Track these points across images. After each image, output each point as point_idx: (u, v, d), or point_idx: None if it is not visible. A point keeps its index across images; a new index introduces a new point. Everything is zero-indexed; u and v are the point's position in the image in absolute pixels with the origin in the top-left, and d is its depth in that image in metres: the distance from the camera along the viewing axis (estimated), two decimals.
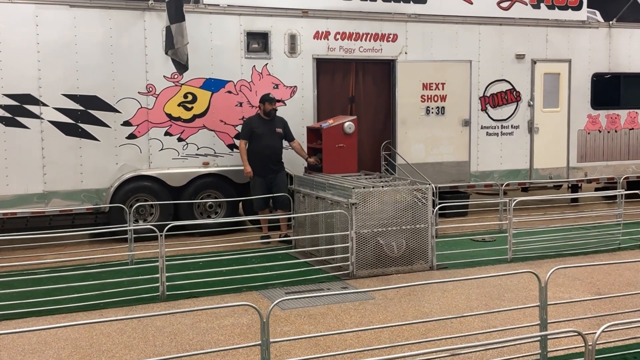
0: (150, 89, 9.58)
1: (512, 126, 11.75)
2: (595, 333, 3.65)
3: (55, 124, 9.15)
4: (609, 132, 12.41)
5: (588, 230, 9.46)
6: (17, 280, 7.02)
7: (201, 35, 9.76)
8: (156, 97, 9.60)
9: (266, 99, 9.40)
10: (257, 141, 9.33)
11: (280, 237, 9.42)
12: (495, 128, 11.64)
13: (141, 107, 9.54)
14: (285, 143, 9.67)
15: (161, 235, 6.83)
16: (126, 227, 8.33)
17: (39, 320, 6.13)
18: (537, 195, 11.53)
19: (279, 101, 9.69)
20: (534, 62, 11.77)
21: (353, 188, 7.66)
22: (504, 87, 11.66)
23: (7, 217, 9.07)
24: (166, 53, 9.30)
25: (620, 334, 5.32)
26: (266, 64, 10.17)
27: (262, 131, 9.33)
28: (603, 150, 12.38)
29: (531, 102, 11.81)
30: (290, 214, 9.18)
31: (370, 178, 8.98)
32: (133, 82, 9.48)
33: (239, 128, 10.00)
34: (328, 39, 10.50)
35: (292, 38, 10.29)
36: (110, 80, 9.36)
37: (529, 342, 5.10)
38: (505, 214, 9.54)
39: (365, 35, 10.71)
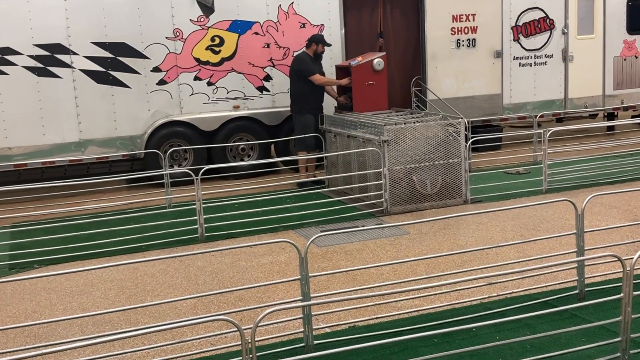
0: (178, 34, 9.55)
1: (545, 55, 11.48)
2: (633, 258, 3.65)
3: (87, 72, 9.22)
4: None
5: (624, 159, 9.33)
6: (60, 226, 7.22)
7: None
8: (184, 42, 9.58)
9: (322, 41, 9.34)
10: (311, 83, 9.21)
11: (314, 179, 9.46)
12: (528, 58, 11.38)
13: (169, 52, 9.54)
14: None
15: (197, 179, 6.93)
16: (162, 172, 8.46)
17: (84, 263, 6.34)
18: (572, 125, 11.32)
19: (330, 45, 9.60)
20: None
21: (384, 125, 7.63)
22: (537, 15, 11.34)
23: (46, 166, 9.29)
24: None
25: None
26: (292, 3, 10.03)
27: (316, 72, 9.26)
28: (639, 77, 12.04)
29: (565, 30, 11.48)
30: (316, 153, 9.20)
31: (401, 115, 8.92)
32: (160, 27, 9.45)
33: (268, 70, 9.96)
34: None
35: None
36: (137, 27, 9.35)
37: (565, 270, 5.13)
38: (539, 146, 9.43)
39: None
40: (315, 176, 9.43)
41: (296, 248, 4.17)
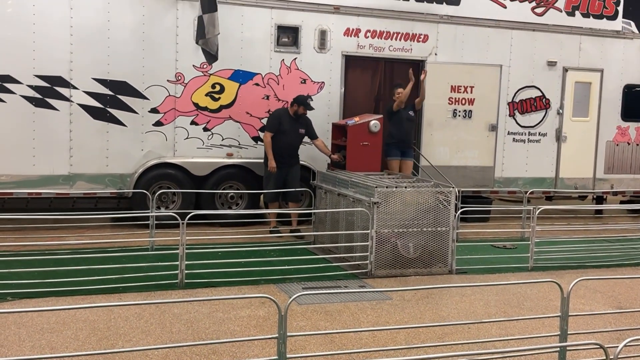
0: (179, 78, 9.62)
1: (539, 133, 11.63)
2: (618, 347, 3.59)
3: (85, 107, 9.22)
4: (638, 144, 12.22)
5: (611, 243, 9.34)
6: (39, 259, 7.08)
7: (232, 26, 9.77)
8: (184, 86, 9.65)
9: (303, 103, 9.44)
10: (279, 137, 9.41)
11: (291, 229, 9.46)
12: (522, 134, 11.52)
13: (169, 95, 9.59)
14: (306, 139, 9.76)
15: (183, 223, 6.86)
16: (148, 213, 8.38)
17: (59, 300, 6.19)
18: (561, 205, 11.39)
19: (312, 109, 9.70)
20: (565, 70, 11.63)
21: (376, 187, 7.63)
22: (534, 93, 11.53)
23: (32, 197, 9.18)
24: (197, 42, 9.34)
25: None
26: (295, 59, 10.17)
27: (287, 129, 9.42)
28: (631, 162, 12.20)
29: (560, 110, 11.68)
30: (303, 208, 9.27)
31: (393, 178, 8.94)
32: (162, 70, 9.52)
33: (265, 121, 10.01)
34: (358, 37, 10.47)
35: (323, 34, 10.27)
36: (140, 67, 9.42)
37: (547, 352, 5.04)
38: (528, 222, 9.44)
39: (395, 35, 10.65)
40: (298, 229, 9.43)
41: (277, 305, 4.09)
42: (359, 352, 4.93)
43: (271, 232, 9.33)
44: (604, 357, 3.68)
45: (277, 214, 9.60)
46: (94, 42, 9.19)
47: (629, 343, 3.85)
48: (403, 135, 10.11)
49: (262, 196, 10.21)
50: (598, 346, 3.66)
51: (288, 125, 9.42)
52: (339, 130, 10.05)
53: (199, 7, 9.26)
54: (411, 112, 10.18)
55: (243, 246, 8.28)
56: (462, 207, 9.09)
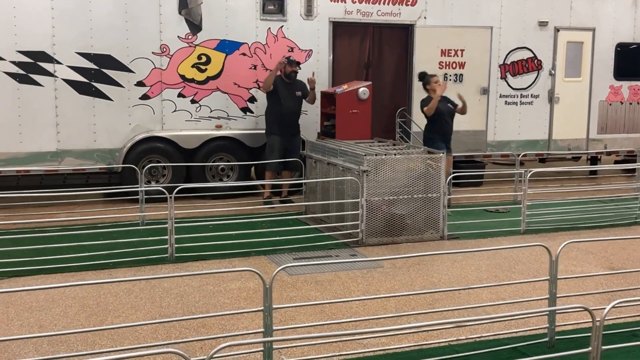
0: (164, 50, 9.47)
1: (531, 95, 11.52)
2: (605, 309, 3.57)
3: (69, 82, 9.09)
4: (630, 103, 12.13)
5: (605, 204, 9.32)
6: (29, 237, 7.06)
7: None
8: (170, 58, 9.50)
9: (290, 60, 9.36)
10: (277, 102, 9.33)
11: (281, 199, 9.41)
12: (514, 97, 11.41)
13: (155, 68, 9.45)
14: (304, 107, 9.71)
15: (170, 197, 6.80)
16: (137, 188, 8.32)
17: (48, 278, 6.17)
18: (554, 167, 11.33)
19: (299, 63, 9.55)
20: (557, 30, 11.47)
21: (365, 155, 7.56)
22: (525, 55, 11.40)
23: (22, 175, 9.11)
24: (180, 13, 9.17)
25: (632, 310, 5.22)
26: (282, 27, 10.00)
27: (283, 93, 9.34)
28: (624, 122, 12.12)
29: (552, 71, 11.55)
30: (295, 179, 9.22)
31: (383, 145, 8.87)
32: (147, 42, 9.36)
33: (253, 91, 9.90)
34: (345, 2, 10.28)
35: (309, 0, 10.08)
36: (124, 40, 9.26)
37: (537, 316, 5.04)
38: (520, 185, 9.40)
39: None
40: (288, 197, 9.37)
41: (262, 278, 4.05)
42: (347, 321, 4.92)
43: (265, 202, 9.27)
44: (591, 320, 3.66)
45: (271, 184, 9.51)
46: (75, 16, 9.01)
47: (617, 305, 3.83)
48: (446, 129, 9.27)
49: (254, 168, 10.15)
50: (584, 309, 3.63)
51: (283, 89, 9.34)
52: (327, 99, 9.93)
53: None
54: (450, 105, 9.35)
55: (234, 218, 8.24)
56: (453, 173, 9.04)
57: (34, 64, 8.91)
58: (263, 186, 9.60)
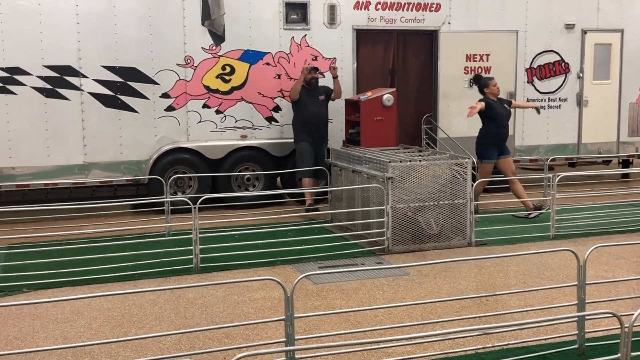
0: (189, 61, 9.54)
1: (559, 99, 11.33)
2: (633, 315, 3.46)
3: (95, 95, 9.21)
4: None
5: (636, 208, 9.09)
6: (56, 250, 7.12)
7: (239, 5, 9.64)
8: (194, 69, 9.57)
9: (307, 68, 9.42)
10: (303, 109, 9.38)
11: (306, 207, 9.35)
12: (542, 101, 11.23)
13: (179, 79, 9.52)
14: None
15: (194, 208, 6.82)
16: (163, 199, 8.36)
17: (74, 290, 6.22)
18: (584, 171, 11.12)
19: (318, 69, 9.56)
20: (584, 32, 11.28)
21: (389, 162, 7.50)
22: (552, 58, 11.23)
23: (51, 188, 9.24)
24: (203, 24, 9.24)
25: None
26: (305, 35, 10.01)
27: (306, 100, 9.38)
28: None
29: (580, 74, 11.35)
30: (321, 187, 9.29)
31: (408, 152, 8.80)
32: (171, 54, 9.45)
33: (277, 101, 9.92)
34: (368, 9, 10.26)
35: (332, 8, 10.08)
36: (148, 52, 9.36)
37: (566, 322, 4.91)
38: (549, 190, 9.23)
39: (406, 5, 10.42)
40: (312, 205, 9.33)
41: (282, 287, 4.02)
42: (372, 330, 4.86)
43: (307, 210, 9.21)
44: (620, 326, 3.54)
45: (311, 188, 9.46)
46: (100, 30, 9.14)
47: None
48: (503, 134, 9.06)
49: (280, 178, 10.14)
50: (612, 315, 3.52)
51: (306, 96, 9.39)
52: (352, 107, 9.90)
53: None
54: (506, 106, 9.20)
55: (260, 228, 8.23)
56: (479, 179, 8.92)
57: (60, 78, 9.05)
58: (303, 195, 9.54)
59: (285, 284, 4.05)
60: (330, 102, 9.70)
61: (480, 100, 8.94)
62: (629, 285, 6.10)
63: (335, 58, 9.91)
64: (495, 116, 8.93)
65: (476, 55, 10.77)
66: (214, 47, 9.60)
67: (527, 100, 11.12)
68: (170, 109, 9.53)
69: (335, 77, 9.59)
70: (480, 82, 9.23)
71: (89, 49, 9.11)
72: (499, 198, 9.82)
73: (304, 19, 10.02)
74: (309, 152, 9.37)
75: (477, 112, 8.73)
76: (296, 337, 4.08)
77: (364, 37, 10.41)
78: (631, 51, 11.55)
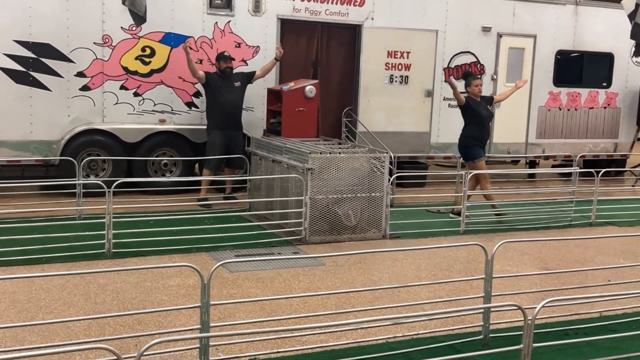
0: (107, 40, 9.24)
1: None
2: (536, 308, 3.65)
3: (5, 70, 8.79)
4: (569, 109, 12.51)
5: (541, 206, 9.57)
6: None
7: None
8: (112, 49, 9.28)
9: (220, 57, 9.27)
10: (216, 97, 9.20)
11: (224, 195, 9.27)
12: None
13: (96, 59, 9.21)
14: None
15: (109, 192, 6.64)
16: (75, 181, 8.09)
17: None
18: (494, 170, 11.59)
19: (233, 59, 9.42)
20: (499, 35, 11.73)
21: (310, 153, 7.56)
22: (469, 59, 11.60)
23: None
24: (123, 3, 8.96)
25: (564, 309, 5.37)
26: (229, 22, 9.90)
27: (220, 87, 9.20)
28: (562, 127, 12.48)
29: (495, 76, 11.80)
30: (239, 175, 9.23)
31: (328, 144, 8.89)
32: (89, 31, 9.13)
33: (198, 86, 9.75)
34: (294, 0, 10.26)
35: None
36: (64, 29, 9.00)
37: (472, 314, 5.12)
38: (461, 187, 9.56)
39: None
40: (232, 194, 9.24)
41: (199, 274, 3.99)
42: (286, 318, 4.90)
43: (199, 202, 9.12)
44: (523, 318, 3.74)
45: (209, 183, 9.37)
46: (14, 2, 8.71)
47: (548, 304, 3.93)
48: (484, 135, 9.06)
49: (198, 164, 10.03)
50: (517, 307, 3.71)
51: (221, 82, 9.21)
52: (274, 96, 9.90)
53: None
54: (490, 107, 9.14)
55: (176, 214, 8.12)
56: (396, 173, 9.14)
57: None
58: (222, 182, 9.47)
59: (201, 272, 4.02)
60: (251, 89, 9.62)
61: (463, 95, 8.99)
62: (531, 280, 6.43)
63: (282, 44, 9.77)
64: (474, 117, 8.88)
65: (397, 52, 10.99)
66: (134, 28, 9.34)
67: (444, 99, 11.45)
68: (85, 88, 9.22)
69: (276, 59, 9.52)
70: (466, 79, 9.19)
71: (1, 21, 8.66)
72: (413, 193, 10.09)
73: (228, 4, 9.91)
74: (220, 144, 9.19)
75: (458, 104, 8.79)
76: (211, 325, 4.06)
77: (289, 27, 10.41)
78: (543, 56, 12.11)
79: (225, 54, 9.33)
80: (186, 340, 4.30)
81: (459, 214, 8.63)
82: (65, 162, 8.89)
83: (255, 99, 9.95)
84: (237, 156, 9.21)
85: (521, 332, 3.91)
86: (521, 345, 3.66)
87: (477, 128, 8.97)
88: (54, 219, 7.76)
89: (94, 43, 9.17)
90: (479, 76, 9.23)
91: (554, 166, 13.32)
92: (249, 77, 9.50)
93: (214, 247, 7.12)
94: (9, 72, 8.79)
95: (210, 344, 4.09)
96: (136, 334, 4.57)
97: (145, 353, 3.09)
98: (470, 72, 9.23)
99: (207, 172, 9.26)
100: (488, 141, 9.35)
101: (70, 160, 8.72)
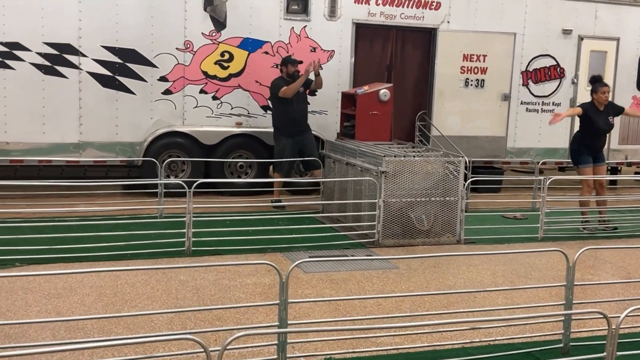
0: (188, 46, 9.55)
1: (553, 103, 11.46)
2: (619, 316, 3.56)
3: (93, 75, 9.20)
4: None
5: (623, 214, 9.24)
6: (48, 226, 7.14)
7: None
8: (193, 54, 9.58)
9: (288, 61, 9.28)
10: (285, 105, 9.23)
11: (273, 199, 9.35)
12: (535, 104, 11.36)
13: (178, 64, 9.53)
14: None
15: (189, 192, 6.86)
16: (157, 181, 8.39)
17: (67, 266, 6.25)
18: (573, 175, 11.26)
19: (301, 62, 9.51)
20: (580, 38, 11.41)
21: (384, 156, 7.58)
22: (548, 62, 11.34)
23: (43, 165, 9.23)
24: (205, 10, 9.25)
25: None
26: (305, 26, 10.05)
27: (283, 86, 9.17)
28: None
29: (575, 80, 11.49)
30: (314, 177, 9.36)
31: (402, 147, 8.88)
32: (171, 37, 9.45)
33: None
34: (369, 4, 10.31)
35: (333, 1, 10.12)
36: (148, 35, 9.36)
37: (552, 322, 5.02)
38: (539, 192, 9.35)
39: (407, 2, 10.48)
40: (280, 200, 9.37)
41: (278, 272, 4.08)
42: (362, 318, 4.94)
43: (273, 202, 9.26)
44: (607, 327, 3.65)
45: (282, 185, 9.49)
46: (102, 9, 9.13)
47: (631, 313, 3.81)
48: (595, 143, 8.58)
49: (272, 167, 10.20)
50: (602, 316, 3.62)
51: (282, 84, 9.17)
52: (348, 100, 9.96)
53: None
54: (611, 118, 8.58)
55: (251, 215, 8.29)
56: (471, 177, 9.03)
57: (59, 56, 9.03)
58: (294, 184, 9.61)
59: (278, 269, 4.11)
60: (324, 92, 9.68)
61: (580, 105, 8.59)
62: (613, 288, 6.23)
63: (319, 60, 9.70)
64: (589, 126, 8.46)
65: (473, 55, 10.86)
66: (214, 34, 9.61)
67: (521, 103, 11.23)
68: (167, 92, 9.55)
69: (317, 75, 9.26)
70: (593, 84, 8.62)
71: (90, 28, 9.10)
72: (488, 198, 9.94)
73: (304, 9, 10.05)
74: (290, 150, 9.24)
75: (568, 116, 8.22)
76: (288, 322, 4.14)
77: (363, 31, 10.46)
78: (626, 60, 11.70)
79: (292, 57, 9.40)
80: (265, 336, 4.41)
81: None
82: (148, 162, 9.23)
83: (328, 102, 10.05)
84: (312, 159, 9.31)
85: (602, 342, 3.81)
86: (604, 354, 3.57)
87: (589, 136, 8.53)
88: (136, 217, 8.09)
89: (176, 48, 9.49)
90: (606, 84, 8.63)
91: (637, 173, 12.81)
92: (308, 84, 9.37)
93: (288, 247, 7.24)
94: (96, 76, 9.21)
95: (288, 341, 4.17)
96: (217, 329, 4.71)
97: (228, 347, 3.19)
98: (598, 78, 8.67)
99: (277, 175, 9.38)
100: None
101: (153, 161, 9.05)
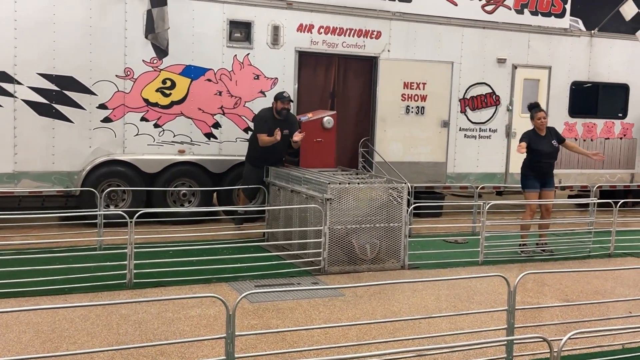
0: (128, 73, 9.42)
1: (490, 129, 11.80)
2: (561, 340, 3.65)
3: (29, 103, 8.96)
4: (584, 140, 12.52)
5: (559, 237, 9.53)
6: None
7: (183, 21, 9.63)
8: (134, 82, 9.46)
9: (278, 97, 9.18)
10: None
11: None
12: (473, 130, 11.67)
13: (118, 91, 9.39)
14: None
15: (131, 222, 6.71)
16: (96, 212, 8.19)
17: (1, 302, 5.99)
18: (511, 200, 11.58)
19: (292, 101, 9.44)
20: (514, 67, 11.83)
21: (329, 183, 7.61)
22: (484, 90, 11.69)
23: None
24: (146, 37, 9.17)
25: (586, 341, 5.34)
26: (248, 54, 10.07)
27: (273, 129, 9.04)
28: (578, 158, 12.45)
29: (510, 107, 11.87)
30: (257, 205, 9.48)
31: (346, 174, 8.95)
32: (111, 64, 9.32)
33: (217, 117, 9.90)
34: (311, 32, 10.43)
35: (275, 29, 10.20)
36: (87, 62, 9.20)
37: (495, 346, 5.10)
38: (479, 217, 9.56)
39: (348, 31, 10.65)
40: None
41: (225, 304, 4.02)
42: (309, 349, 4.91)
43: (235, 218, 9.43)
44: (549, 350, 3.73)
45: (245, 203, 9.70)
46: (39, 36, 8.93)
47: (573, 336, 3.92)
48: (542, 167, 8.78)
49: (215, 194, 10.11)
50: (543, 339, 3.71)
51: (273, 126, 9.08)
52: None
53: (147, 1, 9.10)
54: (555, 142, 8.83)
55: (195, 244, 8.17)
56: (414, 203, 9.17)
57: None
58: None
59: (225, 302, 4.05)
60: None
61: (522, 139, 8.82)
62: (553, 312, 6.40)
63: (302, 132, 9.31)
64: (533, 151, 8.69)
65: (413, 83, 11.10)
66: (155, 61, 9.52)
67: (460, 129, 11.51)
68: (107, 120, 9.37)
69: (295, 142, 9.15)
70: (530, 110, 8.92)
71: (26, 56, 8.87)
72: (430, 223, 10.10)
73: (247, 38, 10.09)
74: (256, 176, 9.28)
75: (524, 150, 8.54)
76: (236, 356, 4.08)
77: (306, 59, 10.56)
78: (558, 87, 12.18)
79: (284, 94, 9.22)
80: None
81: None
82: (86, 192, 9.01)
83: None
84: (256, 186, 9.31)
85: None
86: None
87: (535, 161, 8.76)
88: (75, 249, 7.85)
89: (116, 76, 9.35)
90: (542, 109, 8.92)
91: (570, 197, 13.28)
92: (293, 131, 9.20)
93: (233, 277, 7.15)
94: (32, 104, 8.97)
95: None
96: None
97: None
98: (535, 104, 8.93)
99: (243, 197, 9.61)
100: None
101: (91, 190, 8.84)
